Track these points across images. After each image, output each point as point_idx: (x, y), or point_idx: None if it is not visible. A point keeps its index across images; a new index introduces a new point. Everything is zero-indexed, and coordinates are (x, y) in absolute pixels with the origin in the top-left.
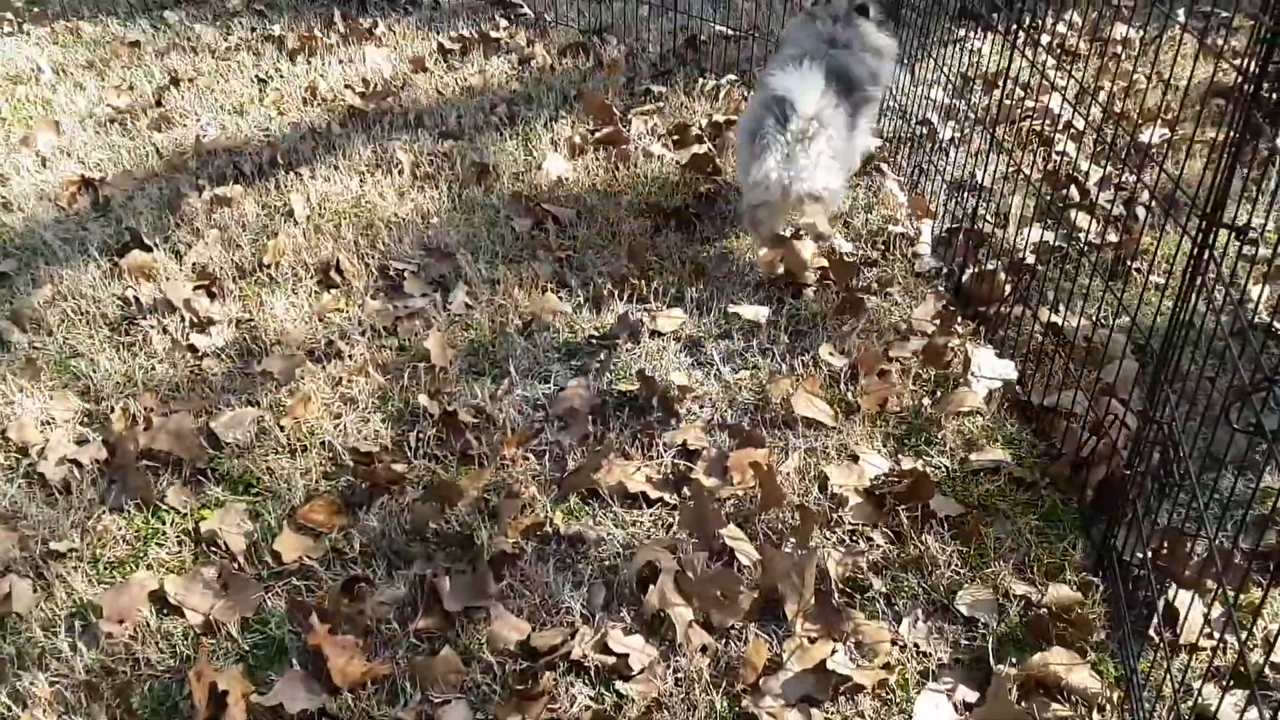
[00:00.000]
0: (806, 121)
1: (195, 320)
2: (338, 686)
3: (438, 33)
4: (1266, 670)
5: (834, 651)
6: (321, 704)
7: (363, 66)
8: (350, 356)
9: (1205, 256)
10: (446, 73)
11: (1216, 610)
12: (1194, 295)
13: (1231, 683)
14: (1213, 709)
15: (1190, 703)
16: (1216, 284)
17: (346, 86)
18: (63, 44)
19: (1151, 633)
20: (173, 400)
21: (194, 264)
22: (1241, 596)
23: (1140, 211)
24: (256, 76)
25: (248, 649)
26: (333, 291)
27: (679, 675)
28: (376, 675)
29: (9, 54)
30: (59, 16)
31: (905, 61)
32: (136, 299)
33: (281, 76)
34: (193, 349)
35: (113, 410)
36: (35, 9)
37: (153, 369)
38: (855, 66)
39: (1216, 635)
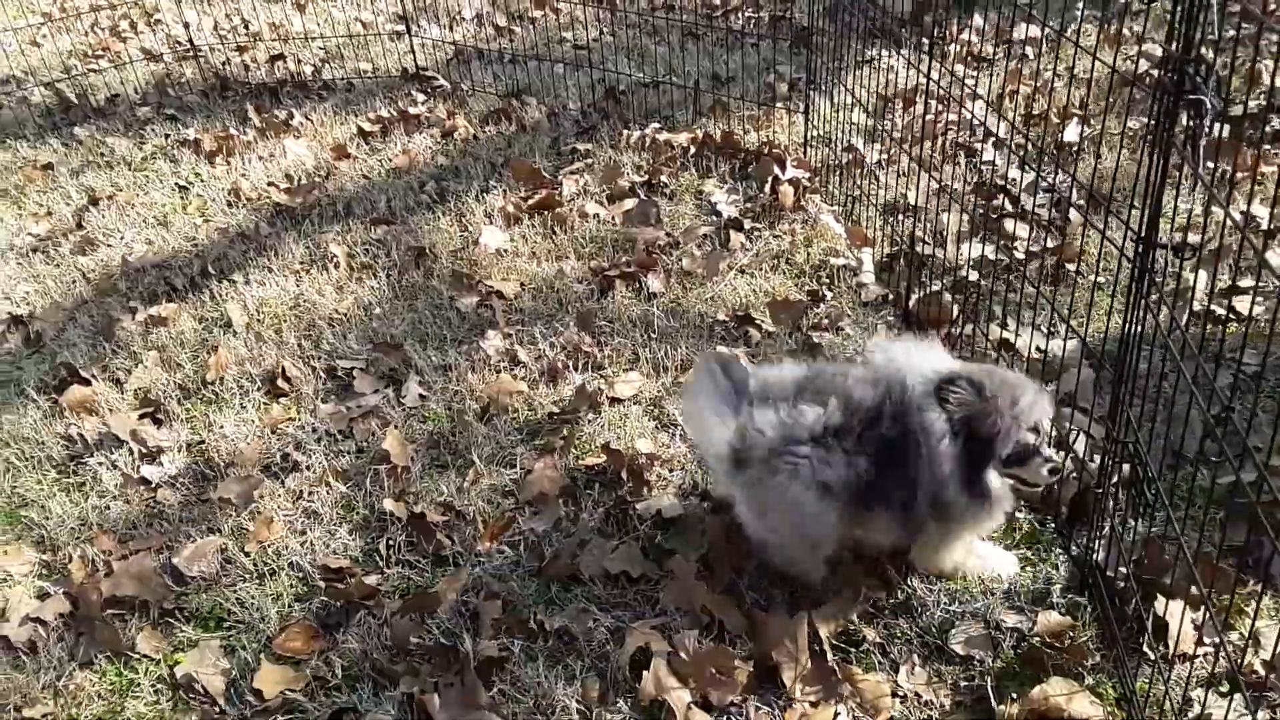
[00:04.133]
0: None
1: (144, 451)
2: None
3: (355, 116)
4: (1259, 668)
5: (836, 715)
6: None
7: (284, 160)
8: (308, 467)
9: (1146, 281)
10: (370, 155)
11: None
12: (1142, 315)
13: (1229, 689)
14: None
15: (1193, 715)
16: (1161, 304)
17: (270, 184)
18: None
19: (1145, 648)
20: (131, 539)
21: (136, 390)
22: (1224, 597)
23: (1074, 214)
24: (177, 184)
25: None
26: (282, 400)
27: None
28: None
29: None
30: None
31: (823, 88)
32: (81, 436)
33: (202, 181)
34: (145, 481)
35: (71, 559)
36: None
37: (106, 508)
38: None
39: (1209, 641)
